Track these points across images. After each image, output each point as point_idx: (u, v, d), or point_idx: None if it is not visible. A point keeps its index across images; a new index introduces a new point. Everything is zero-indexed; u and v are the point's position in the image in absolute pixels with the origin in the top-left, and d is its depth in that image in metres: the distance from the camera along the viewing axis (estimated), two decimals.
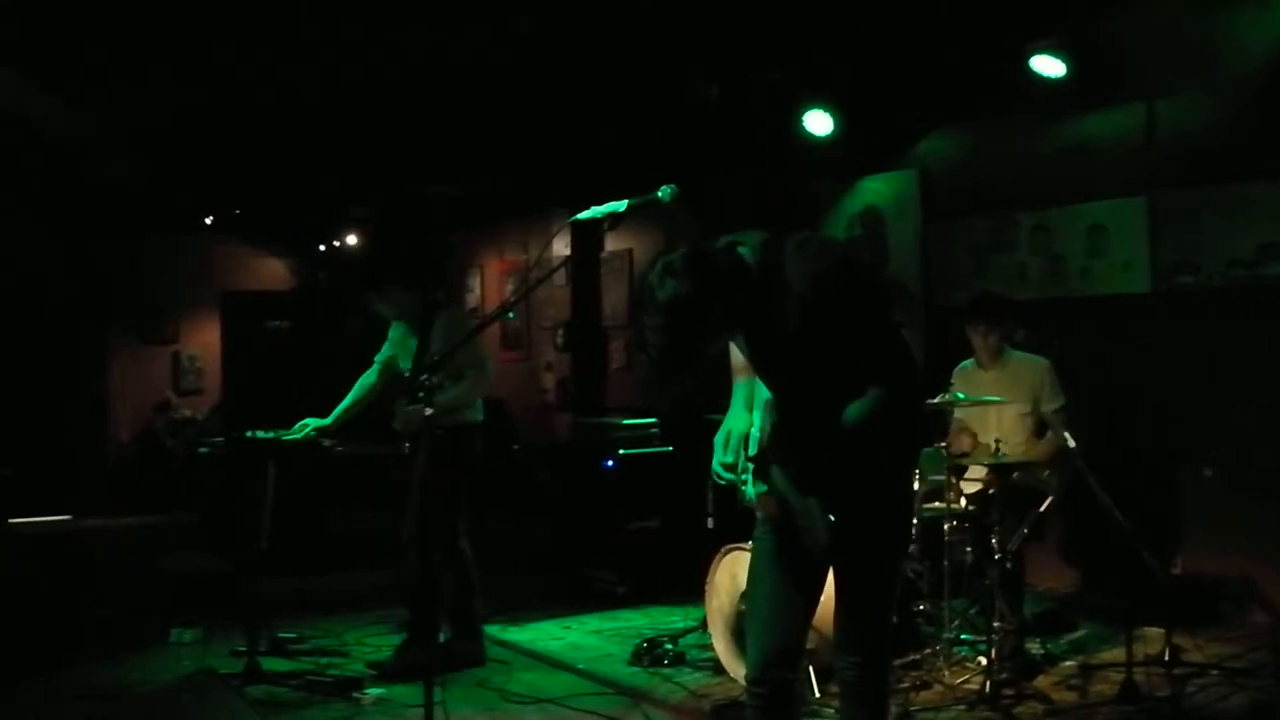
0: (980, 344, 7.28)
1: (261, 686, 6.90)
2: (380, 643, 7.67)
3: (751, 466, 4.08)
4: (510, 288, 14.72)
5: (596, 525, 9.65)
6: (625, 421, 9.92)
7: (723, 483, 4.12)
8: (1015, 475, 6.81)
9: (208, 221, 14.89)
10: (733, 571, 6.66)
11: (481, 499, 7.50)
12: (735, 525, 6.23)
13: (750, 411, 4.17)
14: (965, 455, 7.20)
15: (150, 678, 7.26)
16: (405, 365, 7.43)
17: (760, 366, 4.12)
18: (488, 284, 15.44)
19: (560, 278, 13.40)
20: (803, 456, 3.96)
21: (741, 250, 3.83)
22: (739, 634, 6.50)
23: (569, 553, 9.90)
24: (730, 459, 4.08)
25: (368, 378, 7.56)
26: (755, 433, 4.11)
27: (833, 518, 3.86)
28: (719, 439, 4.14)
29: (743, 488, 4.10)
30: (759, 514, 4.14)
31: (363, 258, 14.95)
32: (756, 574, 4.20)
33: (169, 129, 10.65)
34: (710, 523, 7.66)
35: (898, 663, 6.48)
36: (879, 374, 3.83)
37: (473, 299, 15.61)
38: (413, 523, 7.18)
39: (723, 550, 6.82)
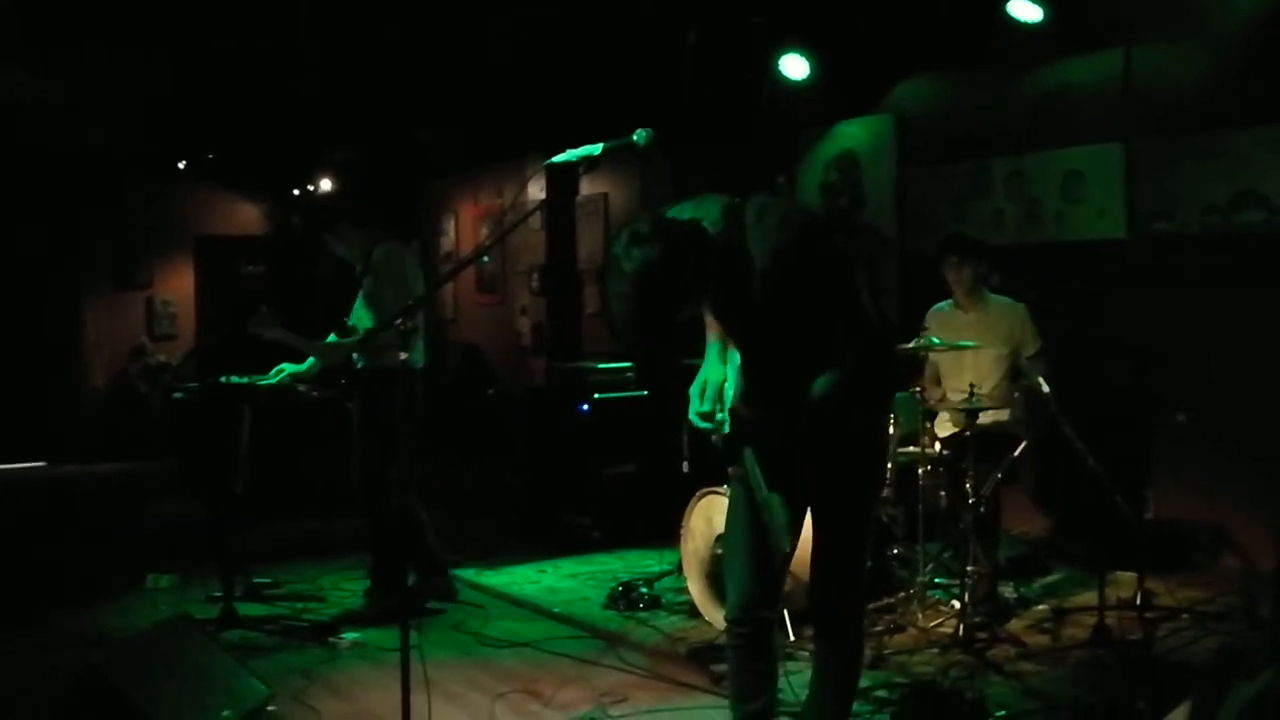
0: (954, 278, 7.23)
1: (237, 632, 6.88)
2: (356, 587, 7.66)
3: (725, 416, 4.10)
4: (485, 232, 14.65)
5: (572, 470, 9.63)
6: (600, 366, 9.90)
7: (699, 427, 4.14)
8: (990, 420, 6.84)
9: (181, 166, 14.77)
10: (708, 515, 6.67)
11: (428, 445, 7.47)
12: (710, 469, 6.25)
13: (725, 364, 4.20)
14: (938, 401, 7.20)
15: (128, 624, 7.24)
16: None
17: (729, 333, 4.13)
18: (462, 228, 15.36)
19: (535, 222, 13.32)
20: (773, 423, 3.98)
21: (705, 221, 3.81)
22: (714, 578, 6.52)
23: (544, 497, 9.89)
24: (707, 408, 4.10)
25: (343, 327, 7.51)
26: (729, 389, 4.12)
27: (789, 521, 3.91)
28: (694, 389, 4.17)
29: (715, 437, 4.12)
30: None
31: (322, 199, 14.83)
32: (735, 514, 4.21)
33: (141, 76, 10.55)
34: (685, 467, 7.65)
35: (872, 606, 6.51)
36: (844, 342, 3.85)
37: (447, 243, 15.53)
38: (355, 469, 7.19)
39: (698, 494, 6.83)
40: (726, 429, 4.08)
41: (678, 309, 3.76)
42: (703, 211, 3.87)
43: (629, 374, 9.73)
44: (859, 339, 3.87)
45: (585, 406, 9.50)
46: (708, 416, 4.11)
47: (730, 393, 4.13)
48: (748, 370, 4.08)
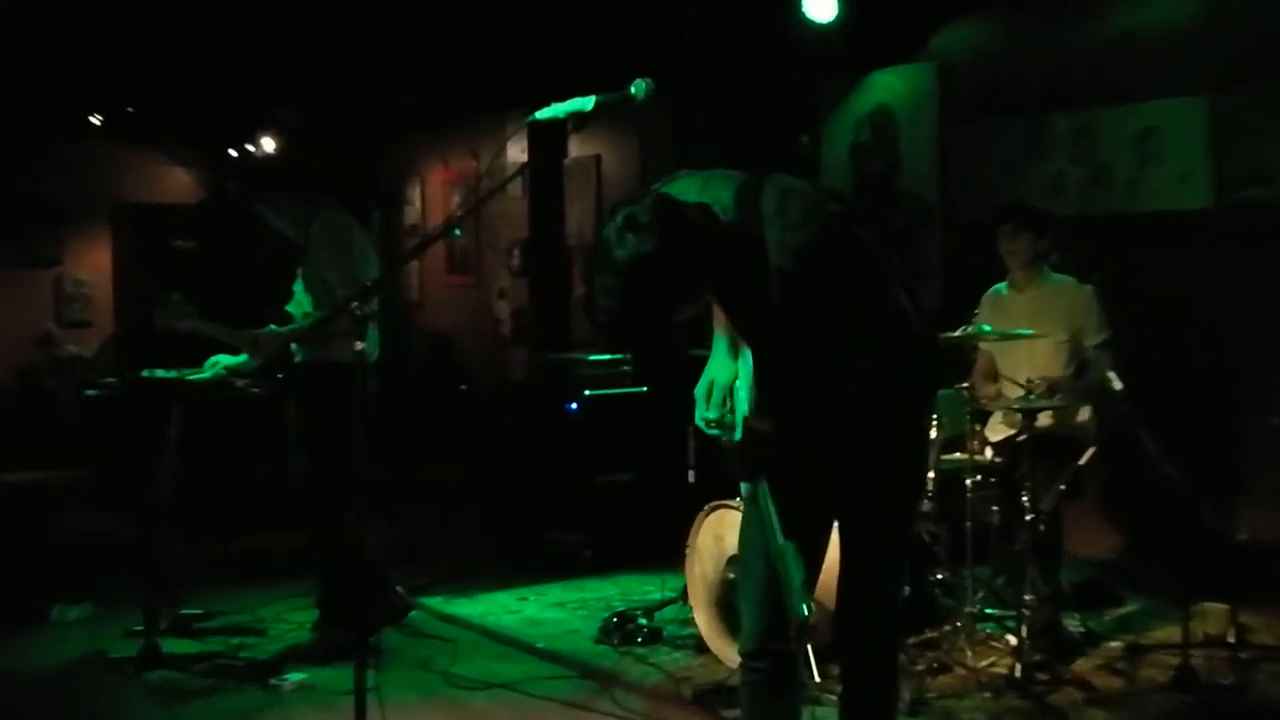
0: (1008, 250, 7.19)
1: (161, 672, 6.84)
2: (303, 618, 7.62)
3: (736, 420, 4.09)
4: (456, 201, 14.65)
5: (558, 479, 9.61)
6: (592, 358, 9.86)
7: (709, 432, 4.12)
8: (1050, 421, 6.79)
9: (96, 122, 14.69)
10: (718, 533, 6.67)
11: (388, 450, 7.43)
12: (720, 479, 6.21)
13: (734, 360, 4.18)
14: (992, 400, 7.16)
15: (32, 665, 7.20)
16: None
17: (739, 331, 4.14)
18: (429, 196, 15.35)
19: (516, 189, 13.31)
20: (788, 435, 3.97)
21: (714, 206, 3.80)
22: (725, 606, 6.52)
23: (526, 511, 9.86)
24: (714, 414, 4.10)
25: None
26: (739, 389, 4.10)
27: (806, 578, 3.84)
28: (700, 390, 4.20)
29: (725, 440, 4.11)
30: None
31: (260, 162, 14.79)
32: (750, 532, 4.18)
33: (49, 10, 10.50)
34: (691, 476, 7.64)
35: (912, 641, 6.49)
36: (861, 332, 3.85)
37: (412, 214, 15.52)
38: (296, 479, 7.17)
39: (706, 508, 6.82)
40: (738, 436, 4.05)
41: (671, 309, 3.76)
42: (711, 194, 3.86)
43: (625, 367, 9.69)
44: (879, 329, 3.85)
45: (574, 405, 9.48)
46: (716, 422, 4.09)
47: (741, 394, 4.11)
48: (760, 376, 4.06)
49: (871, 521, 4.16)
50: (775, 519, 3.84)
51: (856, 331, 3.83)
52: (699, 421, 4.16)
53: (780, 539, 3.81)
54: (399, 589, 7.57)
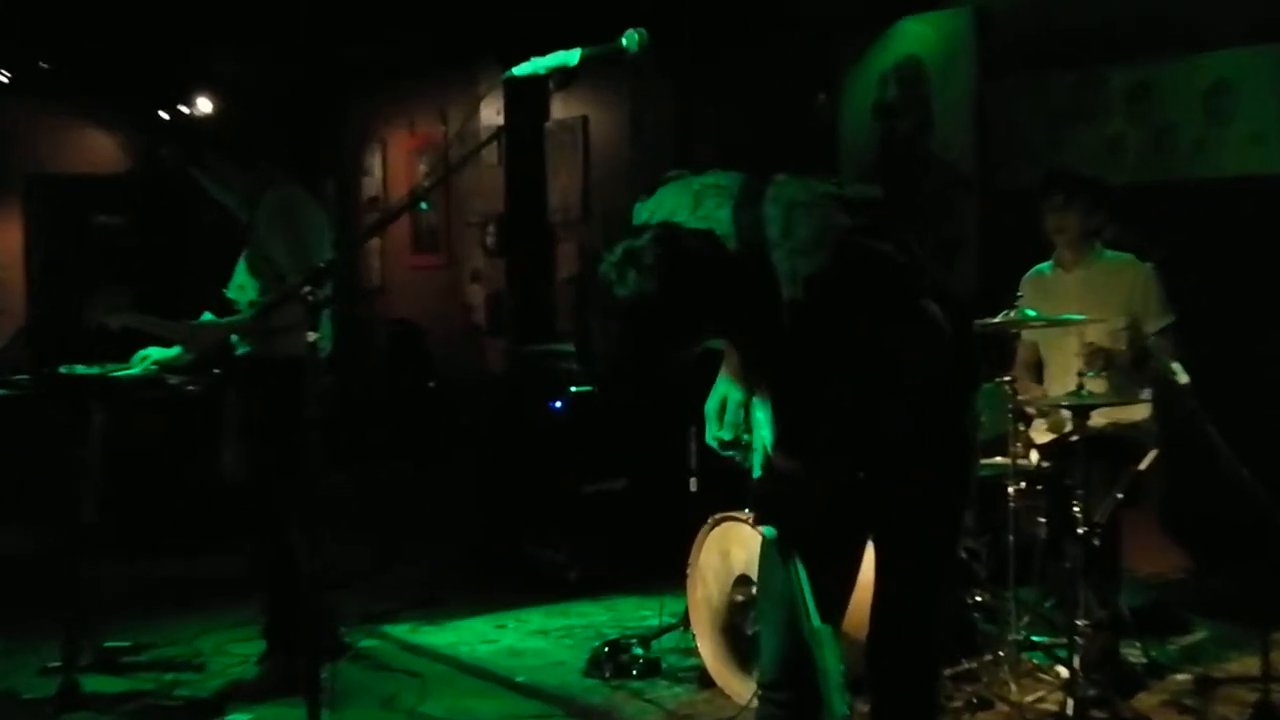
0: (1056, 225, 7.18)
1: (82, 714, 6.83)
2: (247, 650, 7.61)
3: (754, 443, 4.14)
4: (423, 170, 14.63)
5: (541, 487, 9.63)
6: None
7: (723, 454, 4.17)
8: (1105, 420, 6.77)
9: (3, 79, 14.65)
10: (724, 548, 6.69)
11: (340, 454, 7.41)
12: (726, 486, 6.18)
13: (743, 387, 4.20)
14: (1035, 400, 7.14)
15: None
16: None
17: (750, 364, 4.17)
18: (392, 165, 15.35)
19: (491, 156, 13.29)
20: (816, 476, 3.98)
21: (715, 231, 3.83)
22: (732, 633, 6.56)
23: (504, 524, 9.87)
24: (728, 435, 4.17)
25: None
26: (758, 412, 4.11)
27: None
28: (711, 407, 4.24)
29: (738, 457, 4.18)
30: None
31: (199, 125, 14.76)
32: (770, 549, 4.17)
33: None
34: (693, 484, 7.62)
35: (949, 672, 6.49)
36: (870, 346, 3.87)
37: (372, 185, 15.52)
38: (235, 470, 7.16)
39: (710, 521, 6.85)
40: (756, 470, 4.05)
41: (676, 350, 3.81)
42: (705, 212, 3.90)
43: None
44: (889, 331, 3.87)
45: (558, 403, 9.47)
46: (731, 444, 4.12)
47: (758, 415, 4.11)
48: (778, 409, 4.06)
49: (906, 537, 4.18)
50: (810, 597, 3.84)
51: (861, 337, 3.84)
52: (711, 441, 4.21)
53: (816, 620, 3.80)
54: (339, 625, 7.53)
